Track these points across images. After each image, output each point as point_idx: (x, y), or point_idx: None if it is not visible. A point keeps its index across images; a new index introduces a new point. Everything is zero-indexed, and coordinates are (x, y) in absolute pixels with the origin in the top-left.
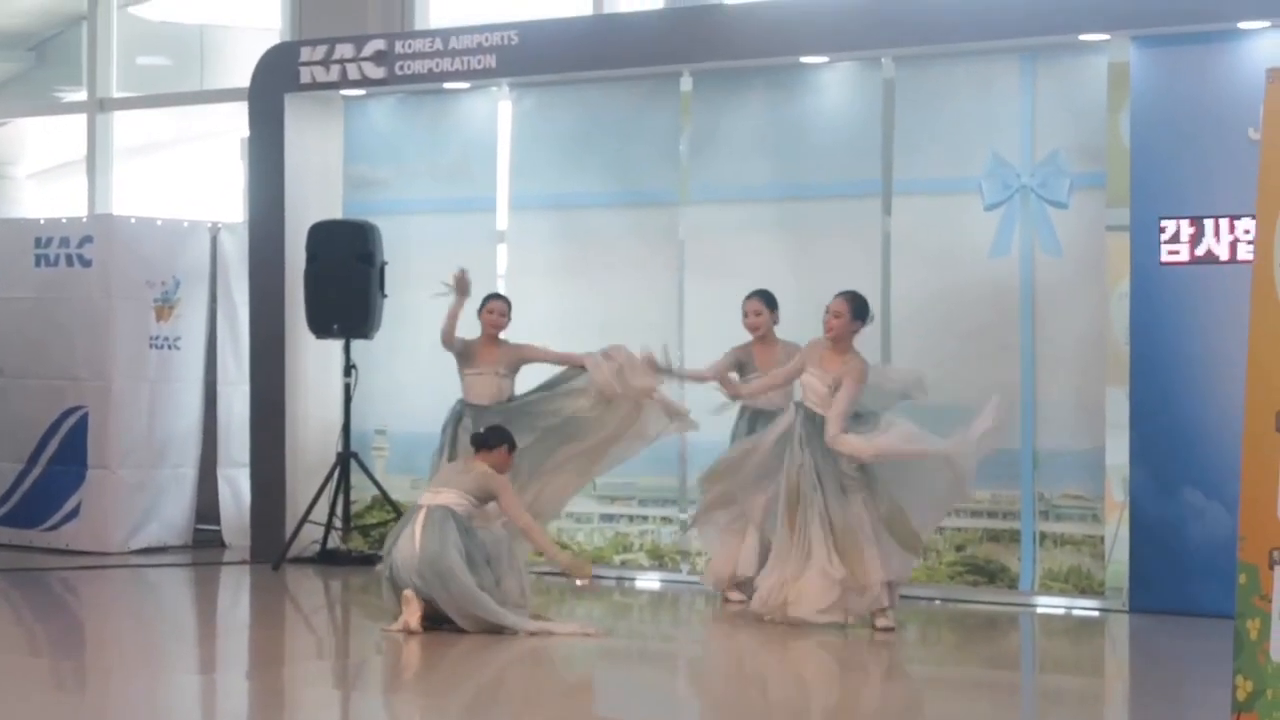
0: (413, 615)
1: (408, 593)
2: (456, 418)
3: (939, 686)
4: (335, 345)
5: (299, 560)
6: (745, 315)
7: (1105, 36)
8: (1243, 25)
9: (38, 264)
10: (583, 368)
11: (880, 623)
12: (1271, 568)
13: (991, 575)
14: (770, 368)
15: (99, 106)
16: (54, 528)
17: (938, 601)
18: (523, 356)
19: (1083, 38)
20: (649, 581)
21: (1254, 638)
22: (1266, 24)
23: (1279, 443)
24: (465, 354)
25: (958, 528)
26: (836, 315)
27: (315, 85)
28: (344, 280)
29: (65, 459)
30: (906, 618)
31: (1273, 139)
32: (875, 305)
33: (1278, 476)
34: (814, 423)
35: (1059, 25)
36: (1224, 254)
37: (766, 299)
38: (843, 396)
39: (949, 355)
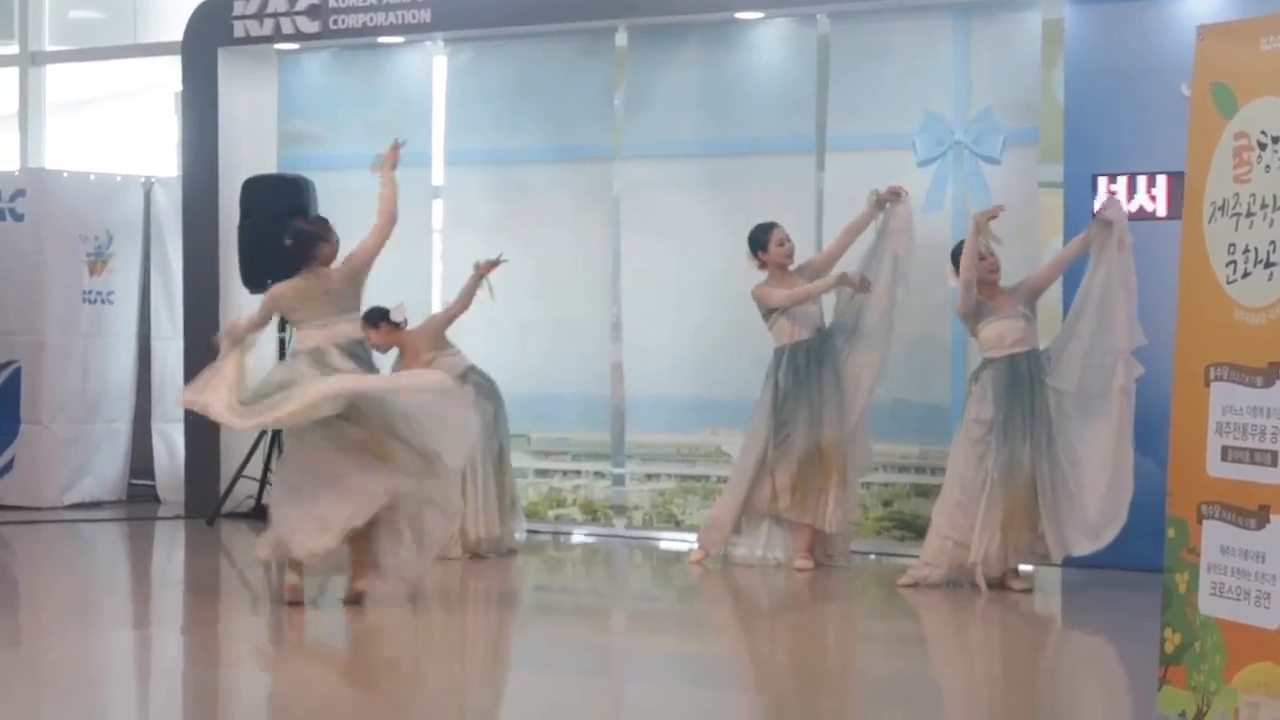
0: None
1: None
2: None
3: (862, 641)
4: None
5: (233, 515)
6: (780, 244)
7: None
8: None
9: None
10: None
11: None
12: (1200, 522)
13: (919, 530)
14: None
15: (31, 60)
16: None
17: (873, 556)
18: (437, 326)
19: None
20: (583, 536)
21: (1183, 591)
22: None
23: (1208, 398)
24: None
25: (885, 483)
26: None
27: (249, 39)
28: (278, 235)
29: None
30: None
31: (1202, 95)
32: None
33: (1206, 432)
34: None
35: None
36: (1161, 210)
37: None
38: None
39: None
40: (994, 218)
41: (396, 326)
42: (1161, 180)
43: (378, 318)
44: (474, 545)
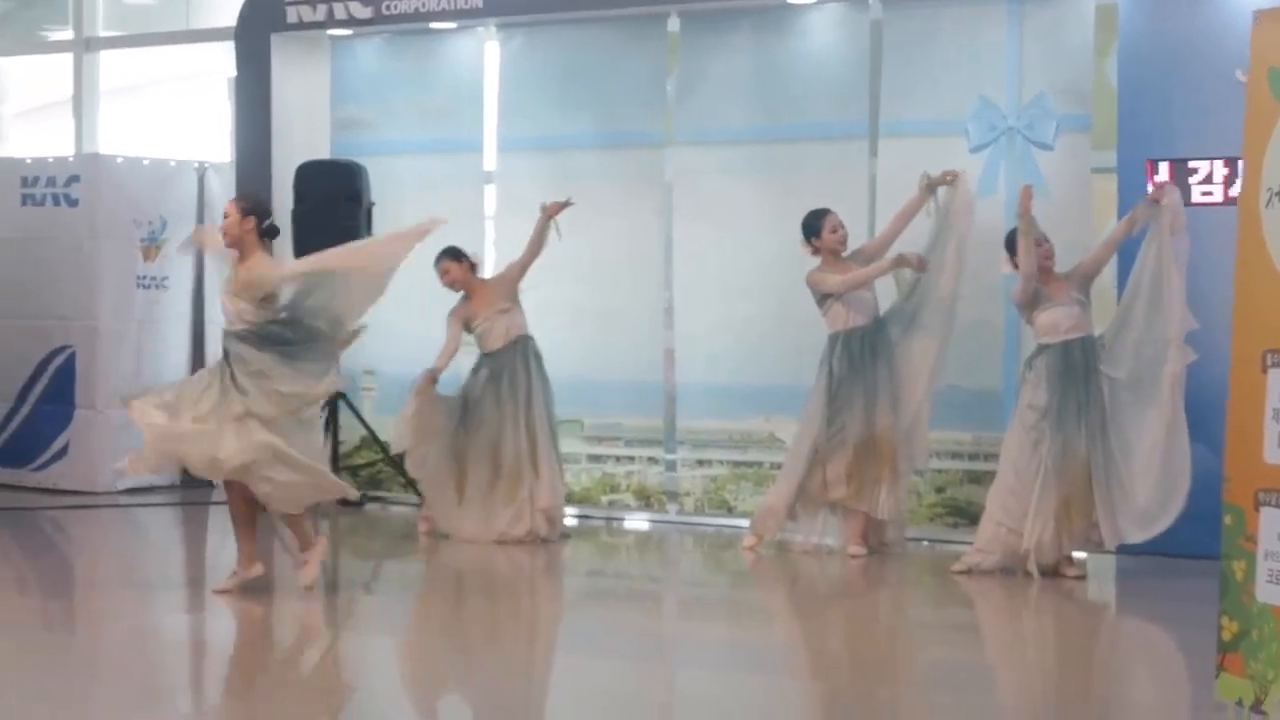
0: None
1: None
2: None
3: (915, 628)
4: None
5: None
6: (834, 230)
7: None
8: None
9: (24, 203)
10: None
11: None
12: (1257, 509)
13: (972, 517)
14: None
15: (85, 46)
16: (42, 467)
17: (926, 543)
18: (512, 277)
19: None
20: (636, 522)
21: (1240, 579)
22: None
23: (1265, 384)
24: (465, 319)
25: (939, 469)
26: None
27: (302, 25)
28: (331, 221)
29: (53, 399)
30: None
31: (1258, 81)
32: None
33: (1263, 418)
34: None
35: None
36: (1214, 196)
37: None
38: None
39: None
40: (1030, 198)
41: (474, 268)
42: (1164, 168)
43: (460, 254)
44: (533, 519)
